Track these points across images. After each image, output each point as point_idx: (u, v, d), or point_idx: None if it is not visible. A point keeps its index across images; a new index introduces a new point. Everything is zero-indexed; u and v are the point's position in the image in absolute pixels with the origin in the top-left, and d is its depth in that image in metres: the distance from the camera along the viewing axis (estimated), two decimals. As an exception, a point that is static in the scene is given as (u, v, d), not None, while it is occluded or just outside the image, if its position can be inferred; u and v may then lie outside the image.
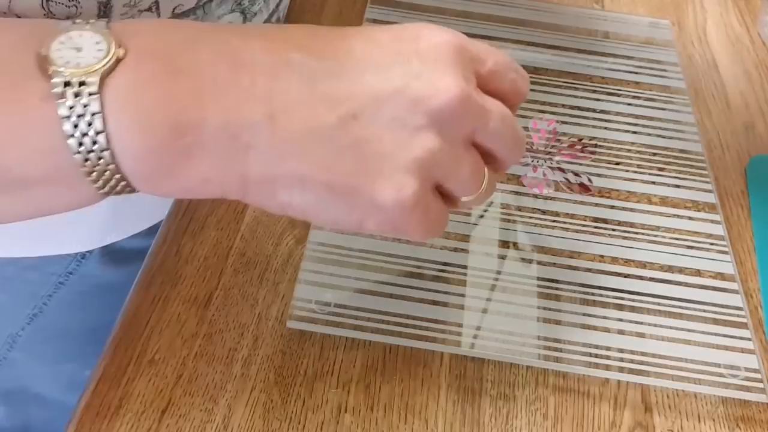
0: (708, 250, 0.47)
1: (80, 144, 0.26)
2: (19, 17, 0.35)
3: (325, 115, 0.27)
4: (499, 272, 0.44)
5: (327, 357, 0.40)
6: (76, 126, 0.25)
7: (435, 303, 0.42)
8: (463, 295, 0.43)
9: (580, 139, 0.52)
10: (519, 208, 0.48)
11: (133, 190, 0.28)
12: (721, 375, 0.40)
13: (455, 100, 0.28)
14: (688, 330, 0.42)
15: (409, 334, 0.41)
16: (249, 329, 0.41)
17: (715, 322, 0.43)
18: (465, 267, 0.44)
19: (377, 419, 0.38)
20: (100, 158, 0.26)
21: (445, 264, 0.44)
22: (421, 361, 0.41)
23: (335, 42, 0.29)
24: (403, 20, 0.60)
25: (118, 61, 0.26)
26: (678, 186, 0.50)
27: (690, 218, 0.48)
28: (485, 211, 0.47)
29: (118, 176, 0.27)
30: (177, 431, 0.37)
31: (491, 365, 0.41)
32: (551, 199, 0.49)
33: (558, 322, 0.42)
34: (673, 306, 0.43)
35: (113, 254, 0.54)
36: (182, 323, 0.41)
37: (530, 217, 0.47)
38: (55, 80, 0.25)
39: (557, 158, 0.51)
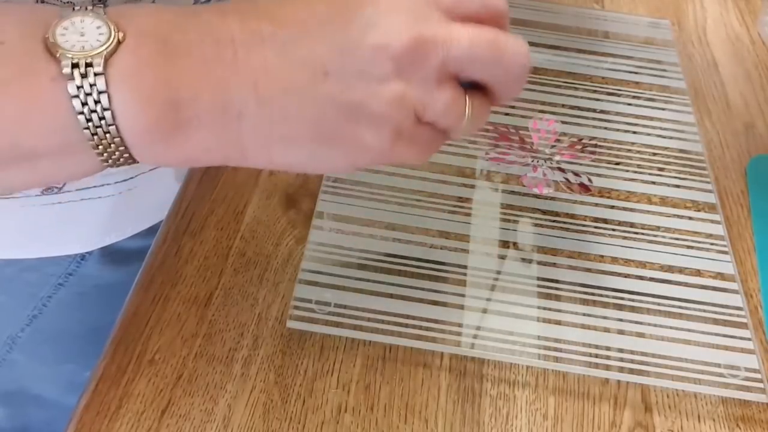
0: (708, 250, 0.47)
1: (88, 120, 0.27)
2: None
3: (300, 78, 0.30)
4: (499, 272, 0.44)
5: (327, 357, 0.40)
6: (84, 104, 0.27)
7: (435, 303, 0.42)
8: (463, 295, 0.43)
9: (580, 139, 0.52)
10: (519, 208, 0.48)
11: (134, 161, 0.30)
12: (721, 375, 0.40)
13: (408, 43, 0.30)
14: (688, 330, 0.42)
15: (409, 334, 0.41)
16: (249, 329, 0.41)
17: (715, 322, 0.43)
18: (465, 267, 0.44)
19: (377, 419, 0.38)
20: (106, 132, 0.28)
21: (445, 264, 0.44)
22: (421, 361, 0.41)
23: (300, 8, 0.31)
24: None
25: (119, 43, 0.28)
26: (678, 186, 0.50)
27: (690, 218, 0.48)
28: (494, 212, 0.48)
29: (122, 148, 0.29)
30: (177, 431, 0.37)
31: (491, 365, 0.41)
32: (551, 199, 0.49)
33: (558, 322, 0.42)
34: (673, 306, 0.43)
35: (113, 255, 0.54)
36: (182, 323, 0.41)
37: (530, 217, 0.47)
38: (64, 62, 0.27)
39: (557, 158, 0.51)
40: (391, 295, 0.42)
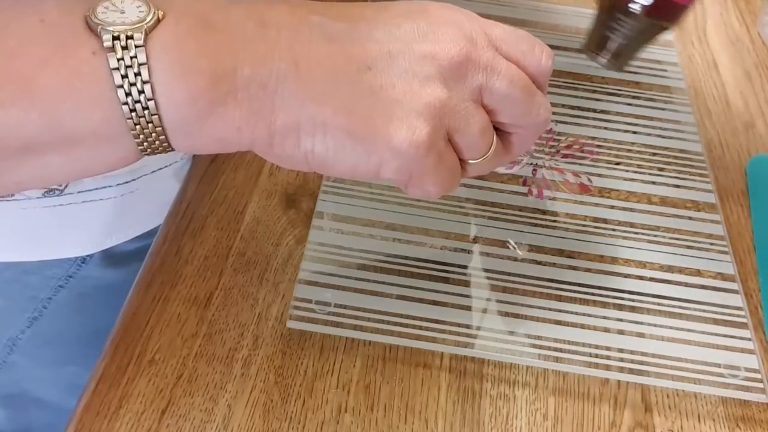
0: (708, 250, 0.47)
1: (128, 94, 0.27)
2: None
3: (343, 66, 0.30)
4: (498, 272, 0.44)
5: (327, 357, 0.40)
6: (124, 77, 0.27)
7: (435, 303, 0.42)
8: (463, 295, 0.43)
9: (580, 139, 0.52)
10: (519, 208, 0.48)
11: (168, 148, 0.30)
12: (721, 375, 0.40)
13: (459, 55, 0.31)
14: (688, 330, 0.42)
15: (409, 334, 0.41)
16: (249, 329, 0.41)
17: (715, 322, 0.43)
18: (465, 267, 0.44)
19: (377, 419, 0.38)
20: (145, 108, 0.28)
21: (445, 264, 0.44)
22: (421, 361, 0.41)
23: (350, 9, 0.32)
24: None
25: (159, 20, 0.28)
26: (678, 186, 0.50)
27: (690, 218, 0.48)
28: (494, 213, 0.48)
29: (159, 129, 0.29)
30: (177, 431, 0.37)
31: (491, 365, 0.41)
32: (551, 199, 0.49)
33: (558, 322, 0.42)
34: (673, 306, 0.43)
35: (113, 257, 0.54)
36: (182, 323, 0.41)
37: (530, 217, 0.47)
38: (105, 36, 0.27)
39: (557, 158, 0.51)
40: (391, 295, 0.42)
